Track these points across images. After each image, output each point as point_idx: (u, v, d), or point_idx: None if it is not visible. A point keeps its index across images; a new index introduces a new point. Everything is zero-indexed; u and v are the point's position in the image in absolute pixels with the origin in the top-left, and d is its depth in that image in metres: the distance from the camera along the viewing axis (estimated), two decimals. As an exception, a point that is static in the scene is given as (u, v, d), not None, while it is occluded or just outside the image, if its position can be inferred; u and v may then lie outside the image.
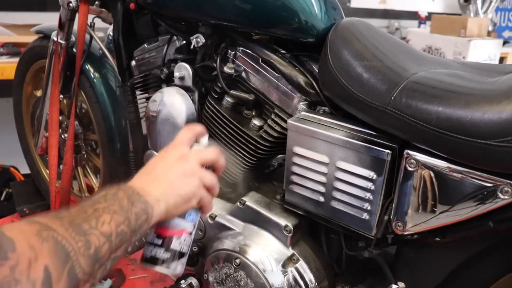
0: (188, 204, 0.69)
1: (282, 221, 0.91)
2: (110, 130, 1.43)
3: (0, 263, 0.43)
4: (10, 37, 2.60)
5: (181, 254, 0.71)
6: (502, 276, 0.79)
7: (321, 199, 0.85)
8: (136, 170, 1.28)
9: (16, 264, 0.44)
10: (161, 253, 0.70)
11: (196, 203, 0.70)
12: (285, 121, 0.89)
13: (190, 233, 0.72)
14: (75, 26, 1.30)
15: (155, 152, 1.18)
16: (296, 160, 0.86)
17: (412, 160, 0.73)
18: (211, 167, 0.73)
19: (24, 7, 2.94)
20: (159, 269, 0.70)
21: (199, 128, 0.75)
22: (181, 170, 0.68)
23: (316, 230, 0.96)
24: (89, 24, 1.35)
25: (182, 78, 1.04)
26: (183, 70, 1.04)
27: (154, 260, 0.70)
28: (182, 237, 0.71)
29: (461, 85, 0.71)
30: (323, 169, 0.83)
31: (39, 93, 1.72)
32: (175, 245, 0.70)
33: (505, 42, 3.96)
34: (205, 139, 0.76)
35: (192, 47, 1.01)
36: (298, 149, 0.85)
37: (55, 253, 0.49)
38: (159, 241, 0.70)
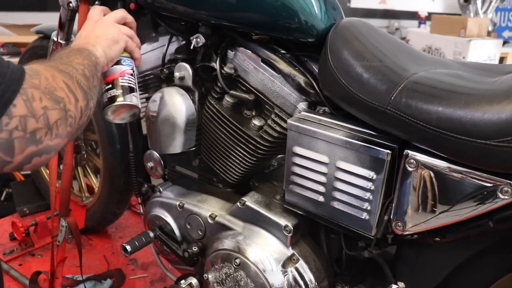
0: (117, 44, 0.87)
1: (282, 221, 0.91)
2: (110, 130, 1.43)
3: (38, 76, 0.58)
4: (10, 37, 2.61)
5: (131, 89, 0.89)
6: (502, 276, 0.79)
7: (321, 199, 0.85)
8: (136, 170, 1.29)
9: (47, 77, 0.59)
10: (113, 92, 0.87)
11: (124, 46, 0.89)
12: (285, 121, 0.89)
13: (131, 74, 0.91)
14: (75, 26, 1.30)
15: (155, 152, 1.18)
16: (296, 160, 0.86)
17: (412, 160, 0.73)
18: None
19: (24, 7, 2.94)
20: (118, 103, 0.87)
21: (103, 7, 0.97)
22: (101, 25, 0.88)
23: (316, 230, 0.96)
24: (89, 24, 1.35)
25: (182, 78, 1.04)
26: (183, 70, 1.04)
27: (111, 99, 0.87)
28: (125, 76, 0.89)
29: (461, 85, 0.71)
30: (323, 169, 0.83)
31: (39, 93, 1.71)
32: (123, 82, 0.88)
33: (505, 42, 3.96)
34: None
35: (192, 47, 1.01)
36: (298, 149, 0.85)
37: (61, 72, 0.64)
38: (109, 86, 0.88)
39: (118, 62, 0.89)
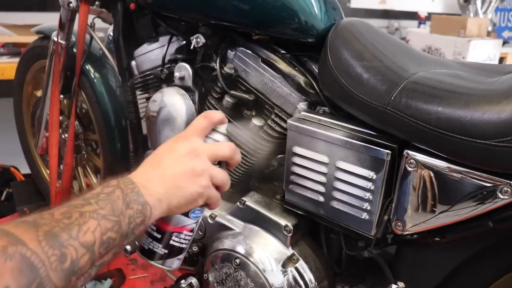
0: (192, 205, 0.64)
1: (282, 221, 0.91)
2: (110, 130, 1.43)
3: None
4: (10, 37, 2.60)
5: (179, 251, 0.68)
6: (502, 275, 0.79)
7: (321, 199, 0.85)
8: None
9: None
10: (159, 248, 0.67)
11: (203, 202, 0.65)
12: (285, 121, 0.89)
13: (191, 230, 0.69)
14: (75, 26, 1.31)
15: (155, 152, 1.18)
16: (296, 160, 0.86)
17: (412, 160, 0.73)
18: (224, 162, 0.68)
19: (24, 7, 2.95)
20: (155, 263, 0.68)
21: (217, 115, 0.68)
22: (190, 167, 0.62)
23: (316, 230, 0.96)
24: (89, 24, 1.35)
25: (182, 78, 1.04)
26: (183, 70, 1.04)
27: (151, 254, 0.68)
28: (183, 234, 0.68)
29: (461, 85, 0.71)
30: (323, 169, 0.83)
31: (39, 93, 1.72)
32: (175, 241, 0.67)
33: (504, 42, 3.97)
34: (223, 128, 0.69)
35: (192, 47, 1.01)
36: (298, 149, 0.85)
37: (20, 272, 0.45)
38: (158, 235, 0.67)
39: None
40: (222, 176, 0.65)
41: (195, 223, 0.69)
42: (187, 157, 0.62)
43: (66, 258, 0.48)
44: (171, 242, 0.67)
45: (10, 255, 0.44)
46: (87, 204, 0.53)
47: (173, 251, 0.68)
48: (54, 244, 0.48)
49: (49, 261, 0.47)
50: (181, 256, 0.70)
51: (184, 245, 0.69)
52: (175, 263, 0.69)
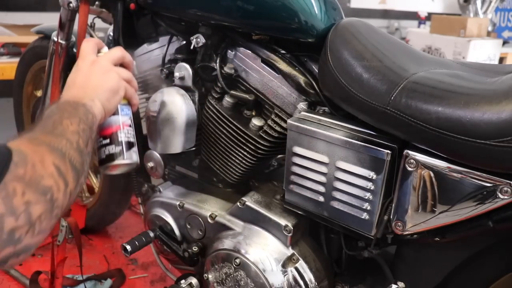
0: (117, 95, 0.78)
1: (282, 221, 0.91)
2: (110, 130, 1.43)
3: (24, 164, 0.51)
4: (10, 37, 2.60)
5: (130, 144, 0.81)
6: (502, 275, 0.79)
7: (321, 199, 0.85)
8: (136, 170, 1.29)
9: (34, 164, 0.52)
10: (113, 149, 0.79)
11: (123, 95, 0.80)
12: (285, 121, 0.89)
13: (130, 125, 0.82)
14: (76, 26, 1.31)
15: (155, 152, 1.18)
16: (296, 160, 0.86)
17: (412, 160, 0.73)
18: (121, 66, 0.83)
19: (24, 7, 2.94)
20: (118, 162, 0.79)
21: (96, 39, 0.85)
22: (98, 71, 0.77)
23: (316, 230, 0.96)
24: (89, 24, 1.35)
25: (182, 78, 1.04)
26: (183, 70, 1.04)
27: (110, 157, 0.79)
28: (124, 129, 0.80)
29: (461, 85, 0.71)
30: (323, 169, 0.83)
31: (39, 93, 1.72)
32: (122, 137, 0.79)
33: (504, 42, 3.96)
34: (105, 49, 0.85)
35: (192, 47, 1.01)
36: (298, 149, 0.85)
37: (51, 152, 0.57)
38: (107, 140, 0.79)
39: (115, 112, 0.80)
40: (125, 72, 0.82)
41: (129, 118, 0.83)
42: (92, 67, 0.78)
43: (72, 142, 0.62)
44: (120, 138, 0.79)
45: (38, 143, 0.57)
46: (50, 117, 0.65)
47: (126, 145, 0.80)
48: (56, 135, 0.61)
49: (63, 144, 0.60)
50: (135, 149, 0.82)
51: (131, 139, 0.82)
52: (133, 155, 0.81)
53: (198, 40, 1.00)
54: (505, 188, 0.65)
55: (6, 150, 0.50)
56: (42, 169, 0.53)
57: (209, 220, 1.01)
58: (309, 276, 0.91)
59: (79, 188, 0.62)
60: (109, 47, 1.44)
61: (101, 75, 0.77)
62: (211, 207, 1.04)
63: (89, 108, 0.71)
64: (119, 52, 0.83)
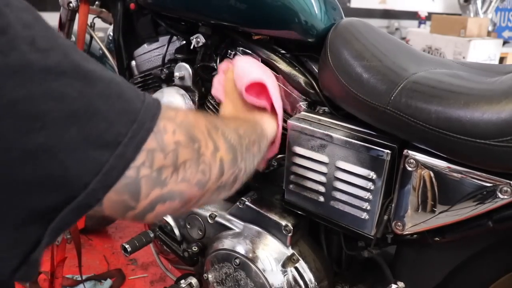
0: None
1: (282, 221, 0.91)
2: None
3: (174, 111, 0.50)
4: (10, 37, 2.60)
5: None
6: (502, 275, 0.79)
7: (321, 199, 0.85)
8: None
9: (186, 113, 0.53)
10: None
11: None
12: (285, 121, 0.89)
13: None
14: (75, 26, 1.31)
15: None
16: (296, 160, 0.86)
17: (412, 160, 0.73)
18: None
19: (24, 7, 2.94)
20: None
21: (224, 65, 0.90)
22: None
23: (316, 230, 0.96)
24: (89, 24, 1.35)
25: (182, 78, 1.04)
26: (183, 70, 1.04)
27: None
28: None
29: (461, 85, 0.71)
30: (323, 169, 0.83)
31: (39, 93, 1.71)
32: None
33: (505, 42, 3.97)
34: None
35: (192, 47, 1.01)
36: (298, 149, 0.85)
37: (203, 118, 0.56)
38: None
39: None
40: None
41: None
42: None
43: (228, 124, 0.63)
44: None
45: (190, 112, 0.57)
46: (240, 126, 0.67)
47: None
48: (240, 137, 0.63)
49: (215, 121, 0.60)
50: None
51: None
52: None
53: (198, 40, 1.00)
54: (505, 188, 0.65)
55: (154, 99, 0.48)
56: (194, 120, 0.52)
57: (209, 220, 1.01)
58: (309, 276, 0.91)
59: (238, 174, 0.60)
60: (109, 47, 1.45)
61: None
62: (211, 207, 1.04)
63: (264, 130, 0.76)
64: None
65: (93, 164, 0.39)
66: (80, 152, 0.39)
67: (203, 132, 0.53)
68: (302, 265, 0.91)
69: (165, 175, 0.46)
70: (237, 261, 0.93)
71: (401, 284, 0.82)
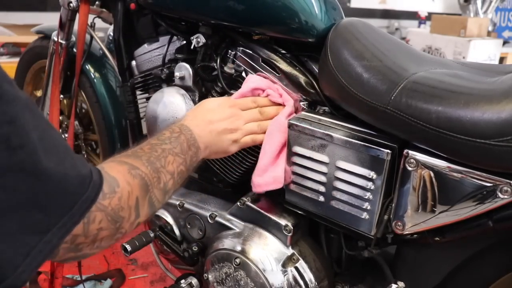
0: (225, 154, 0.89)
1: (282, 221, 0.91)
2: (110, 130, 1.43)
3: (112, 195, 0.57)
4: (10, 37, 2.61)
5: None
6: (502, 275, 0.79)
7: (321, 198, 0.85)
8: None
9: (121, 196, 0.58)
10: None
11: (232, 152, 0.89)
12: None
13: None
14: (76, 26, 1.31)
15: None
16: (296, 159, 0.86)
17: (412, 160, 0.73)
18: None
19: (24, 7, 2.95)
20: None
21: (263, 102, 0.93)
22: (230, 127, 0.86)
23: (316, 230, 0.96)
24: (89, 24, 1.35)
25: (182, 78, 1.04)
26: (183, 70, 1.04)
27: None
28: None
29: (461, 85, 0.71)
30: (323, 168, 0.83)
31: (39, 93, 1.72)
32: None
33: (505, 42, 3.97)
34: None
35: (192, 47, 1.01)
36: (298, 149, 0.85)
37: (141, 187, 0.63)
38: None
39: None
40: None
41: None
42: (228, 119, 0.86)
43: (160, 180, 0.68)
44: None
45: (134, 175, 0.63)
46: (163, 143, 0.73)
47: None
48: (154, 169, 0.67)
49: (153, 181, 0.66)
50: None
51: None
52: None
53: (198, 40, 1.00)
54: (505, 188, 0.65)
55: (98, 179, 0.53)
56: (125, 202, 0.59)
57: (209, 220, 1.01)
58: (309, 276, 0.91)
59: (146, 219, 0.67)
60: (109, 47, 1.45)
61: (228, 132, 0.86)
62: (211, 207, 1.04)
63: (199, 153, 0.79)
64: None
65: (25, 248, 0.45)
66: (15, 238, 0.44)
67: (131, 207, 0.60)
68: (302, 265, 0.91)
69: (81, 246, 0.55)
70: (237, 261, 0.93)
71: (401, 284, 0.82)
